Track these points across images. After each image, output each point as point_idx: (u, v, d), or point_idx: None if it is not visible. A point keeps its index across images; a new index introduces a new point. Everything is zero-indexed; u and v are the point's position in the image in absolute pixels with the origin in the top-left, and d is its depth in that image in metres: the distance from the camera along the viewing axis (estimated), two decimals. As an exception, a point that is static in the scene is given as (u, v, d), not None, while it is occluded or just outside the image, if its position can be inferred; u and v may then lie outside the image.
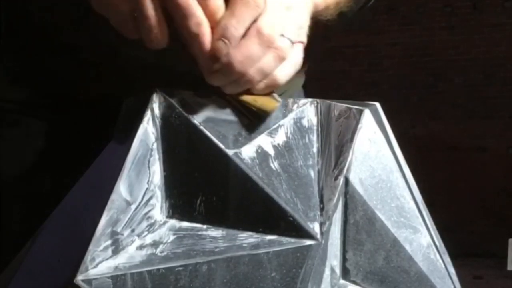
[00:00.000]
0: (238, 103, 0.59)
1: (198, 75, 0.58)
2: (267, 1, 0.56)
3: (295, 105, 0.61)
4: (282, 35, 0.57)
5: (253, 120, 0.59)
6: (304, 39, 0.60)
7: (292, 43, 0.58)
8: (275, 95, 0.60)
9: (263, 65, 0.57)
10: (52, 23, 0.74)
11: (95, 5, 0.58)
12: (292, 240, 0.56)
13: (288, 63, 0.59)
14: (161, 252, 0.54)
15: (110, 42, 0.66)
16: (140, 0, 0.55)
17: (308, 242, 0.56)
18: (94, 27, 0.73)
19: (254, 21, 0.56)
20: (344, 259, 0.60)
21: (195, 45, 0.56)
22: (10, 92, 0.80)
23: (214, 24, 0.55)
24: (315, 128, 0.61)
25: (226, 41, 0.55)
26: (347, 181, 0.59)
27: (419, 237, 0.62)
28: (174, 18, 0.55)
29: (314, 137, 0.61)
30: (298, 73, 0.71)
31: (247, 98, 0.59)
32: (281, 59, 0.58)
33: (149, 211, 0.55)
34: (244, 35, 0.56)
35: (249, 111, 0.59)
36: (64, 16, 0.73)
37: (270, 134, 0.59)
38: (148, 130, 0.56)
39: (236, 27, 0.55)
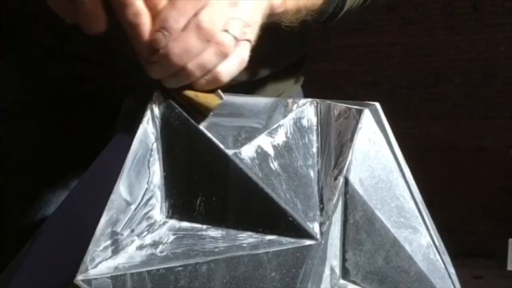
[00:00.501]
0: (180, 98, 0.57)
1: None
2: None
3: (295, 105, 0.61)
4: (225, 30, 0.56)
5: (194, 116, 0.58)
6: (252, 37, 0.58)
7: (237, 40, 0.56)
8: (219, 92, 0.58)
9: (203, 60, 0.55)
10: (49, 26, 0.74)
11: None
12: (292, 240, 0.56)
13: (232, 60, 0.57)
14: (161, 252, 0.54)
15: (110, 43, 0.66)
16: None
17: (308, 242, 0.56)
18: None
19: (196, 14, 0.55)
20: (344, 259, 0.60)
21: (133, 35, 0.55)
22: (9, 92, 0.80)
23: (155, 15, 0.54)
24: (314, 128, 0.61)
25: (166, 32, 0.54)
26: (346, 181, 0.59)
27: (419, 237, 0.62)
28: (113, 6, 0.54)
29: (313, 137, 0.61)
30: (298, 73, 0.71)
31: (188, 93, 0.57)
32: (223, 55, 0.56)
33: (149, 211, 0.55)
34: (184, 28, 0.55)
35: (190, 105, 0.58)
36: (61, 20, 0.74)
37: (270, 134, 0.59)
38: (148, 130, 0.56)
39: (176, 19, 0.54)
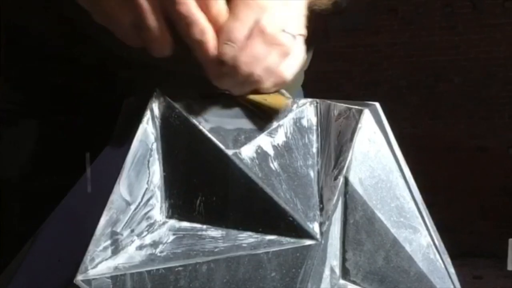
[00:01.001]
0: (249, 104, 0.59)
1: (201, 76, 0.58)
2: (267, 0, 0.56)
3: (295, 105, 0.61)
4: (283, 30, 0.57)
5: (266, 119, 0.59)
6: (304, 31, 0.60)
7: (294, 37, 0.58)
8: (283, 91, 0.60)
9: (269, 63, 0.57)
10: (49, 32, 0.74)
11: (97, 18, 0.59)
12: (292, 240, 0.56)
13: (292, 58, 0.59)
14: (160, 252, 0.54)
15: (111, 45, 0.66)
16: (141, 12, 0.55)
17: (308, 242, 0.56)
18: (93, 33, 0.73)
19: (257, 21, 0.56)
20: (343, 259, 0.60)
21: (200, 51, 0.56)
22: (9, 92, 0.80)
23: (218, 28, 0.55)
24: (314, 128, 0.61)
25: (232, 44, 0.55)
26: (346, 181, 0.59)
27: (419, 237, 0.62)
28: (177, 26, 0.55)
29: (313, 137, 0.61)
30: (298, 73, 0.71)
31: (256, 97, 0.59)
32: (285, 54, 0.58)
33: (149, 211, 0.55)
34: (249, 37, 0.56)
35: (260, 110, 0.59)
36: (61, 26, 0.73)
37: (270, 134, 0.59)
38: (147, 130, 0.56)
39: (240, 29, 0.55)
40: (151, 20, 0.55)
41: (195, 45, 0.56)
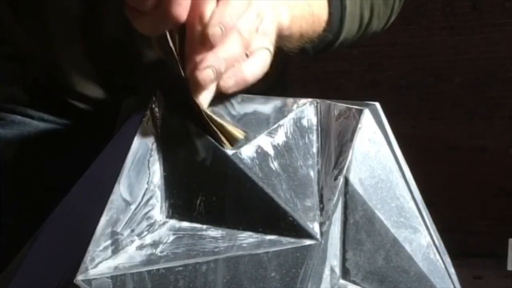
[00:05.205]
0: (211, 124, 0.57)
1: None
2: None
3: (295, 105, 0.61)
4: (257, 30, 0.57)
5: (221, 144, 0.58)
6: (271, 48, 0.59)
7: (266, 42, 0.58)
8: (242, 129, 0.59)
9: (237, 61, 0.56)
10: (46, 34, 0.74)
11: None
12: (292, 240, 0.56)
13: (254, 60, 0.58)
14: (161, 252, 0.54)
15: (110, 44, 0.66)
16: None
17: (308, 242, 0.56)
18: (91, 29, 0.73)
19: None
20: (344, 259, 0.60)
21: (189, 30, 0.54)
22: (8, 92, 0.80)
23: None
24: (314, 128, 0.61)
25: (222, 28, 0.54)
26: (346, 181, 0.59)
27: (419, 237, 0.62)
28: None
29: (313, 137, 0.61)
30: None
31: (219, 120, 0.57)
32: (252, 55, 0.57)
33: (149, 211, 0.55)
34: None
35: (217, 135, 0.57)
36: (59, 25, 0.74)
37: (270, 134, 0.59)
38: (148, 130, 0.57)
39: (232, 14, 0.54)
40: None
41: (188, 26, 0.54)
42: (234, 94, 0.60)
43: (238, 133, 0.58)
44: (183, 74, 0.56)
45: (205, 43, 0.54)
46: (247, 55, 0.57)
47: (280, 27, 0.63)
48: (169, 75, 0.57)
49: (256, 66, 0.58)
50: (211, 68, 0.53)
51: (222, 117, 0.58)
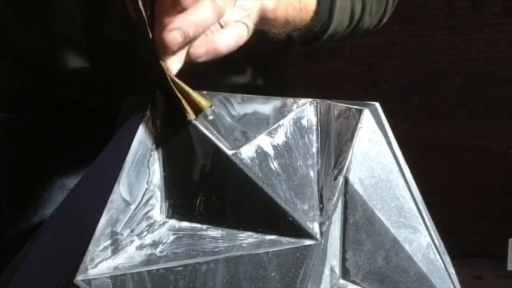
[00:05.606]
0: (177, 90, 0.55)
1: (199, 74, 0.58)
2: None
3: (295, 105, 0.61)
4: (235, 4, 0.55)
5: (187, 113, 0.56)
6: (250, 24, 0.58)
7: (243, 16, 0.57)
8: (208, 98, 0.57)
9: (208, 27, 0.54)
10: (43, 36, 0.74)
11: None
12: (292, 240, 0.56)
13: (229, 31, 0.56)
14: (160, 252, 0.54)
15: (110, 44, 0.66)
16: None
17: (308, 242, 0.56)
18: (90, 28, 0.73)
19: None
20: (343, 259, 0.60)
21: None
22: (8, 92, 0.80)
23: None
24: (314, 128, 0.61)
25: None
26: (346, 181, 0.59)
27: (419, 237, 0.62)
28: None
29: (313, 137, 0.61)
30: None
31: (185, 87, 0.55)
32: (227, 26, 0.56)
33: (149, 211, 0.55)
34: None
35: (185, 102, 0.55)
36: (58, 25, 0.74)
37: (270, 134, 0.59)
38: (147, 130, 0.56)
39: None
40: None
41: None
42: (234, 95, 0.60)
43: (204, 102, 0.55)
44: (151, 36, 0.54)
45: (176, 5, 0.52)
46: (222, 27, 0.56)
47: (264, 8, 0.62)
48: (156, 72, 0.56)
49: (230, 37, 0.56)
50: (179, 30, 0.51)
51: (191, 87, 0.56)
